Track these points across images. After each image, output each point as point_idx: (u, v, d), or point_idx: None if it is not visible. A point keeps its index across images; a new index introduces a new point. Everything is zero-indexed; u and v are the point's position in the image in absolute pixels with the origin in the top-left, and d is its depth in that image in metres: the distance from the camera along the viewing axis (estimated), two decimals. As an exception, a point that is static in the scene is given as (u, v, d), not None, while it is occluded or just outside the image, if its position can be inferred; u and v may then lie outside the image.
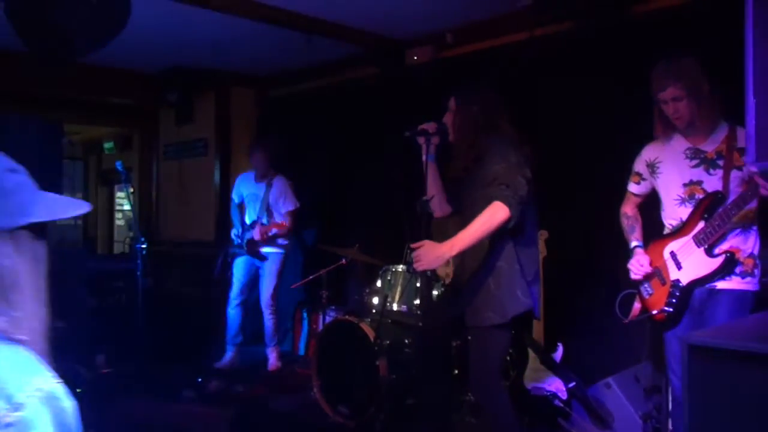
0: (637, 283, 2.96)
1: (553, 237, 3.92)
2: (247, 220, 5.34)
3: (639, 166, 2.98)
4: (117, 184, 10.20)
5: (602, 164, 4.04)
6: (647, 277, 2.90)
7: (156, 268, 7.08)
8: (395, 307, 3.92)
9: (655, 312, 2.83)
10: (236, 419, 3.92)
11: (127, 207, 10.28)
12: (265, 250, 5.21)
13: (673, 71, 2.62)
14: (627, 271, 3.02)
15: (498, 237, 2.70)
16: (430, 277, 3.77)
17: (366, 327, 3.88)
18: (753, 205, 2.61)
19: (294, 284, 5.42)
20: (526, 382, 3.79)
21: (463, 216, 2.92)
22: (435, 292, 3.84)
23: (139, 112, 7.36)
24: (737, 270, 2.67)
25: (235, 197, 5.52)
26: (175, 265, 6.89)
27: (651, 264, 2.88)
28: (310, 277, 5.15)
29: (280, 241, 5.21)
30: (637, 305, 3.01)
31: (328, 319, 4.50)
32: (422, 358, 3.79)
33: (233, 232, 5.41)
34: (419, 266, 2.59)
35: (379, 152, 5.40)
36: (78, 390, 4.24)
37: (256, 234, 5.11)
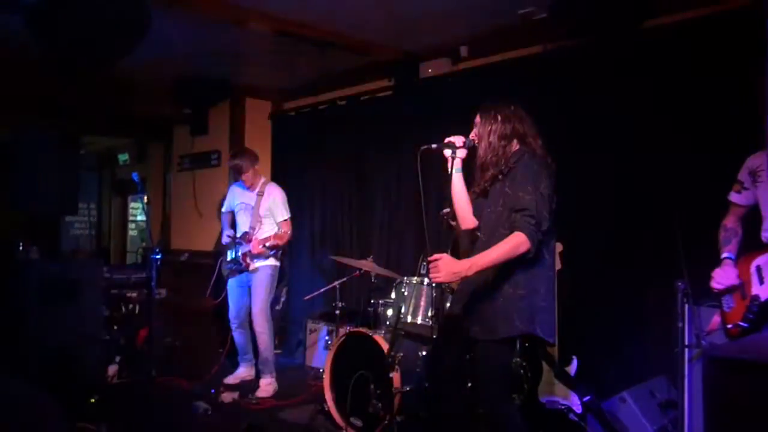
0: (719, 296, 2.86)
1: (568, 250, 3.91)
2: (239, 233, 5.14)
3: (742, 174, 2.87)
4: (131, 195, 10.29)
5: (618, 177, 4.04)
6: (730, 290, 2.79)
7: (169, 278, 7.13)
8: (409, 319, 3.92)
9: (730, 326, 2.74)
10: (249, 431, 3.92)
11: (140, 218, 10.36)
12: (258, 263, 5.01)
13: None
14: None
15: (511, 261, 2.70)
16: (445, 290, 3.78)
17: (380, 339, 3.88)
18: None
19: (307, 296, 5.42)
20: (540, 395, 3.77)
21: (479, 230, 2.93)
22: (449, 305, 3.84)
23: (154, 124, 7.44)
24: None
25: (225, 208, 5.30)
26: (188, 276, 6.92)
27: (738, 277, 2.77)
28: (324, 288, 5.15)
29: (273, 253, 5.00)
30: (716, 318, 2.93)
31: (341, 331, 4.49)
32: (436, 370, 3.79)
33: (225, 235, 5.16)
34: (436, 278, 2.60)
35: (394, 164, 5.42)
36: (92, 400, 4.28)
37: (253, 248, 4.93)
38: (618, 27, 3.84)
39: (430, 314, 3.90)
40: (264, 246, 4.82)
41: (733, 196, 2.91)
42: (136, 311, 5.53)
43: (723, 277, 2.77)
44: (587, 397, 3.71)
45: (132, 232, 10.44)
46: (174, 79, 6.31)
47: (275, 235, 4.85)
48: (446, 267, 2.58)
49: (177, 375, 5.21)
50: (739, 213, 2.92)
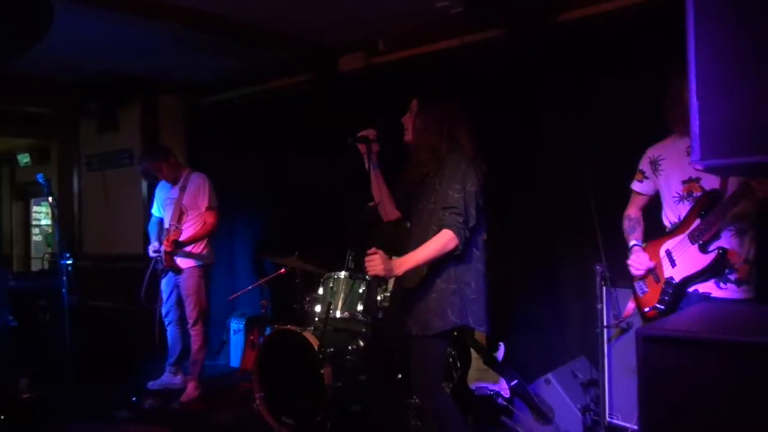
0: (632, 282, 2.90)
1: (490, 238, 3.99)
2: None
3: (643, 164, 2.92)
4: (33, 198, 9.74)
5: (536, 166, 4.16)
6: (646, 274, 2.83)
7: (80, 284, 6.79)
8: (338, 314, 3.90)
9: (646, 309, 2.79)
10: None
11: (45, 222, 9.81)
12: (181, 262, 4.79)
13: None
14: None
15: (442, 257, 2.73)
16: (374, 283, 3.78)
17: (309, 335, 3.84)
18: (750, 207, 2.56)
19: (230, 296, 5.29)
20: (470, 382, 3.85)
21: (411, 224, 2.94)
22: (378, 298, 3.85)
23: (57, 122, 7.03)
24: (732, 277, 2.62)
25: (154, 211, 5.12)
26: (102, 281, 6.62)
27: (650, 260, 2.81)
28: (249, 287, 5.05)
29: (195, 251, 4.79)
30: (631, 304, 2.99)
31: (268, 329, 4.41)
32: (367, 363, 3.79)
33: (150, 248, 4.95)
34: (372, 271, 2.62)
35: (316, 158, 5.37)
36: (1, 417, 4.02)
37: (165, 245, 4.69)
38: (533, 20, 3.94)
39: (359, 309, 3.89)
40: (175, 241, 4.63)
41: (636, 185, 2.97)
42: (47, 319, 5.23)
43: (639, 262, 2.81)
44: (514, 382, 3.82)
45: (36, 238, 9.89)
46: (80, 74, 5.98)
47: (179, 232, 4.66)
48: (382, 262, 2.60)
49: (94, 383, 4.97)
50: (640, 202, 2.99)
